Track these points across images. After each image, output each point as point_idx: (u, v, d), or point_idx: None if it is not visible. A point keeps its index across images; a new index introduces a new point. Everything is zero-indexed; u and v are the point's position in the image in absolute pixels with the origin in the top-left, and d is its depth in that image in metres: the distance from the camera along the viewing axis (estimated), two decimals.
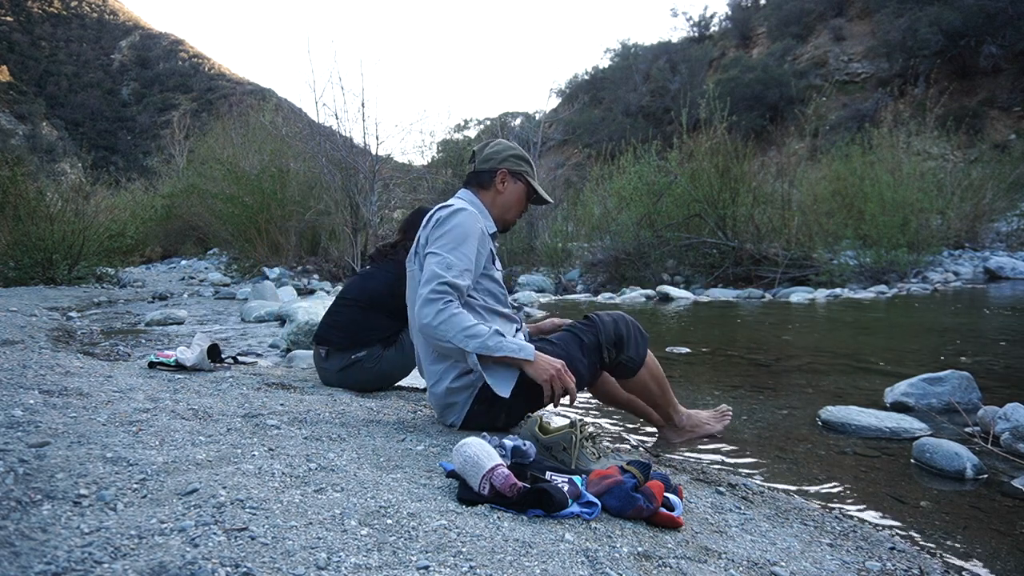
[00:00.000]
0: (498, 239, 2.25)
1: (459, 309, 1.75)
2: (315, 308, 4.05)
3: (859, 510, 1.70)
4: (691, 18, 40.30)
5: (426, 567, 1.01)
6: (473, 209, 1.93)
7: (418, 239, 1.92)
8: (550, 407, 2.03)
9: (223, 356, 2.95)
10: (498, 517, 1.29)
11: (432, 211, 1.94)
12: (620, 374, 2.05)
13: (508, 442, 1.53)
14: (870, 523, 1.61)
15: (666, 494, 1.43)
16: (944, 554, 1.45)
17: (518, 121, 19.82)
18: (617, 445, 2.17)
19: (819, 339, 4.73)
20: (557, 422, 1.80)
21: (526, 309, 6.82)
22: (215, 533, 1.03)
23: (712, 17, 38.60)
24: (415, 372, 2.85)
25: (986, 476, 1.92)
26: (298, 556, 0.99)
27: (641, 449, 2.18)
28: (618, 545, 1.23)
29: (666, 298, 7.92)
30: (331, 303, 2.71)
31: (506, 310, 1.99)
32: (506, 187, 2.04)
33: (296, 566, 0.96)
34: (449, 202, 1.97)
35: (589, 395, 2.39)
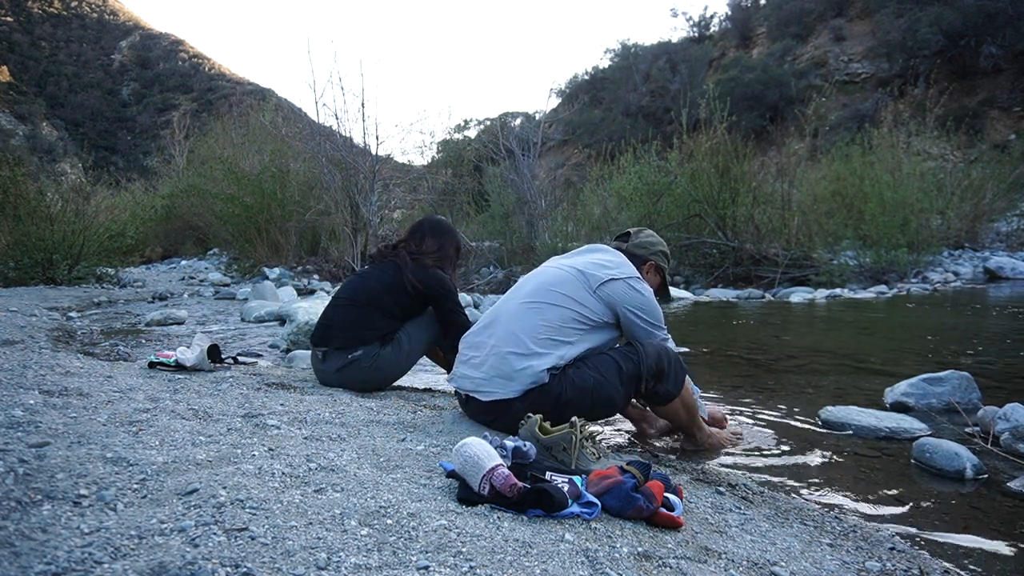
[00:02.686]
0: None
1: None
2: (315, 308, 4.05)
3: (859, 510, 1.70)
4: (691, 18, 40.18)
5: (426, 567, 1.01)
6: None
7: (605, 281, 2.05)
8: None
9: (223, 356, 2.95)
10: (498, 517, 1.29)
11: (626, 277, 2.08)
12: (653, 402, 2.12)
13: (509, 443, 1.53)
14: (870, 523, 1.61)
15: (666, 494, 1.43)
16: (944, 554, 1.45)
17: (518, 121, 19.81)
18: (617, 445, 2.17)
19: (819, 339, 4.73)
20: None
21: None
22: (215, 533, 1.03)
23: (712, 17, 38.56)
24: (416, 372, 2.86)
25: (986, 476, 1.92)
26: (298, 556, 0.99)
27: (641, 449, 2.18)
28: (618, 545, 1.23)
29: (668, 298, 7.91)
30: (327, 303, 2.72)
31: None
32: (649, 276, 2.29)
33: (296, 566, 0.96)
34: (640, 277, 2.14)
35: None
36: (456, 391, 2.13)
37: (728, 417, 2.50)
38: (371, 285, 2.57)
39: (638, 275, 2.14)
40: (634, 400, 2.36)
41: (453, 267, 2.76)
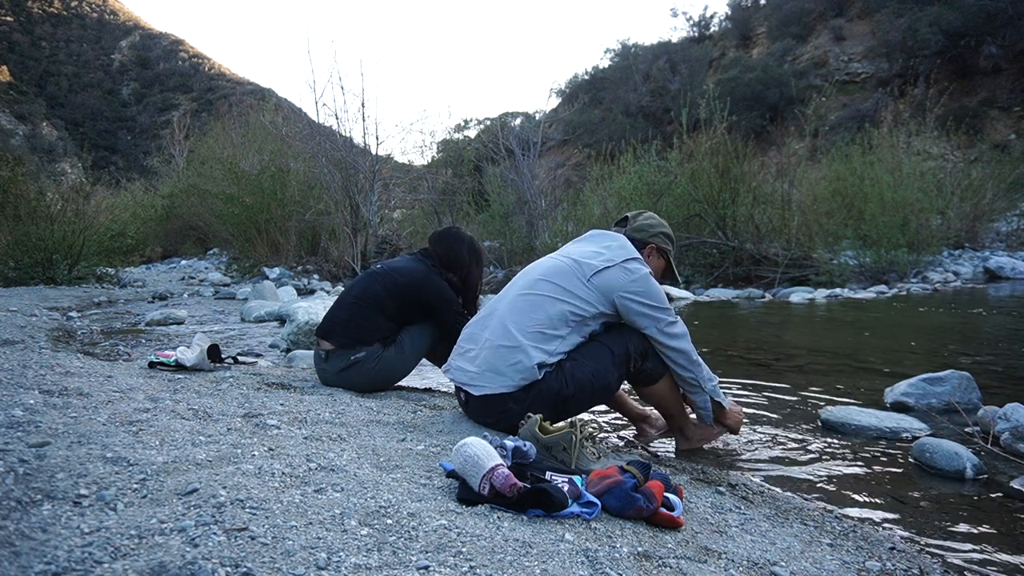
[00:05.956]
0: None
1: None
2: (315, 308, 4.05)
3: (859, 510, 1.70)
4: (691, 18, 40.22)
5: (426, 567, 1.01)
6: None
7: (599, 270, 2.02)
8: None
9: (223, 356, 2.95)
10: (498, 517, 1.29)
11: (621, 261, 2.04)
12: (640, 382, 2.11)
13: (509, 443, 1.53)
14: (870, 523, 1.61)
15: (666, 494, 1.43)
16: (944, 554, 1.45)
17: (518, 121, 19.81)
18: (617, 445, 2.17)
19: (819, 339, 4.73)
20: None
21: None
22: (215, 533, 1.03)
23: (712, 17, 38.58)
24: (415, 372, 2.86)
25: (986, 476, 1.92)
26: (298, 556, 0.99)
27: (641, 449, 2.18)
28: (618, 545, 1.24)
29: (667, 296, 7.90)
30: (337, 297, 2.73)
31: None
32: (651, 260, 2.22)
33: (296, 566, 0.96)
34: (638, 257, 2.08)
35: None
36: (456, 391, 2.14)
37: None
38: (377, 288, 2.58)
39: (636, 256, 2.07)
40: (638, 402, 2.35)
41: (474, 268, 2.76)
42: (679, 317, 2.07)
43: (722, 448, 2.24)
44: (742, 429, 2.35)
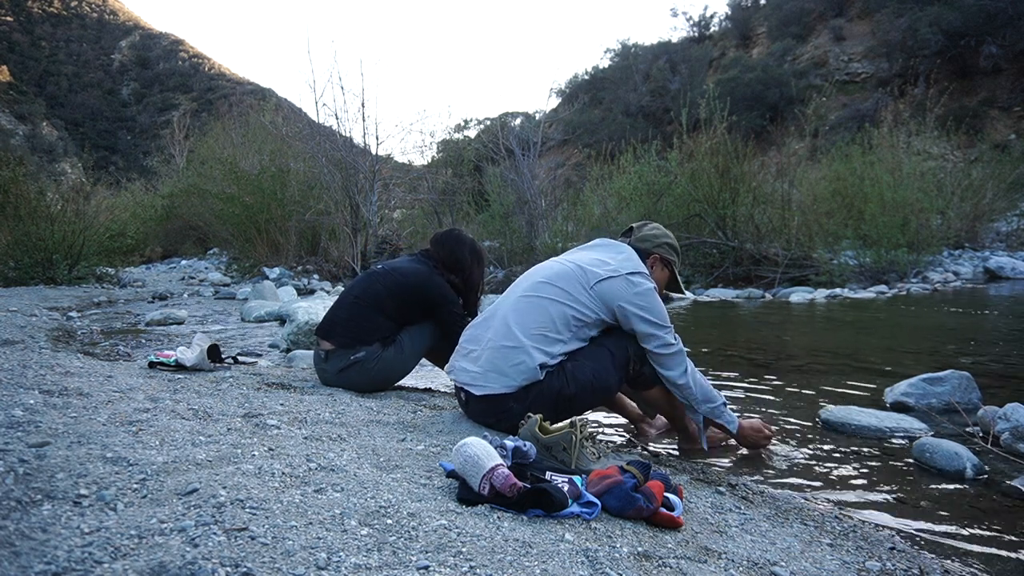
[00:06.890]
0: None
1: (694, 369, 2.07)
2: (315, 308, 4.05)
3: (859, 510, 1.70)
4: (691, 18, 40.23)
5: (426, 567, 1.01)
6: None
7: (603, 279, 2.01)
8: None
9: (223, 356, 2.95)
10: (498, 517, 1.29)
11: (626, 273, 2.02)
12: (638, 385, 2.12)
13: (509, 443, 1.53)
14: (870, 523, 1.61)
15: (666, 494, 1.43)
16: (944, 554, 1.45)
17: (518, 121, 19.80)
18: (617, 445, 2.17)
19: (819, 339, 4.73)
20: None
21: None
22: (215, 533, 1.03)
23: (712, 17, 38.58)
24: (415, 372, 2.87)
25: (986, 476, 1.92)
26: (298, 556, 0.99)
27: (641, 449, 2.18)
28: (618, 545, 1.24)
29: (666, 298, 7.90)
30: (337, 297, 2.73)
31: None
32: (655, 270, 2.21)
33: (296, 566, 0.96)
34: (643, 272, 2.07)
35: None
36: (456, 391, 2.13)
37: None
38: (378, 288, 2.58)
39: (641, 269, 2.07)
40: (636, 405, 2.37)
41: (476, 270, 2.75)
42: (679, 339, 2.04)
43: (722, 448, 2.24)
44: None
